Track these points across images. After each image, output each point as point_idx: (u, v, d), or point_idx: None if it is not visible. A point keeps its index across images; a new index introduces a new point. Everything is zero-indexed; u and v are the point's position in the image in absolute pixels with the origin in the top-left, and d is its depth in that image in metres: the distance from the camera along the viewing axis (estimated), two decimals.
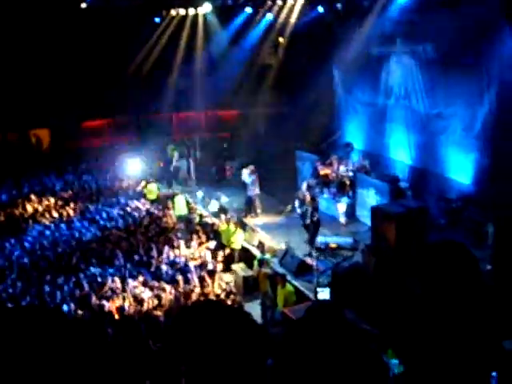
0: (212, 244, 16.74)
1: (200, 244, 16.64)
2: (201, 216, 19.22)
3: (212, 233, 17.76)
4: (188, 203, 20.61)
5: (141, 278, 14.04)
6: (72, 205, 20.14)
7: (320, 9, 20.59)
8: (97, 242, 16.65)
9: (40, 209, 19.76)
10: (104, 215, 18.89)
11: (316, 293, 11.97)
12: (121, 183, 22.57)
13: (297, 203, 17.01)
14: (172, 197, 20.68)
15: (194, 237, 17.08)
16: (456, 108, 17.59)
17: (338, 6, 19.40)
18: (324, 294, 11.69)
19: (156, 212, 19.30)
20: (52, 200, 20.60)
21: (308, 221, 15.94)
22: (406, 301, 11.30)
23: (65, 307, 12.45)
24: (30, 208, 19.78)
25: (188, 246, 16.42)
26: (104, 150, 26.06)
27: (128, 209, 19.47)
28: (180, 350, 2.89)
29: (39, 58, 24.16)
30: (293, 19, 21.50)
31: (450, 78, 17.44)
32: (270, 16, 21.92)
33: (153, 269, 14.92)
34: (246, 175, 19.36)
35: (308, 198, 16.37)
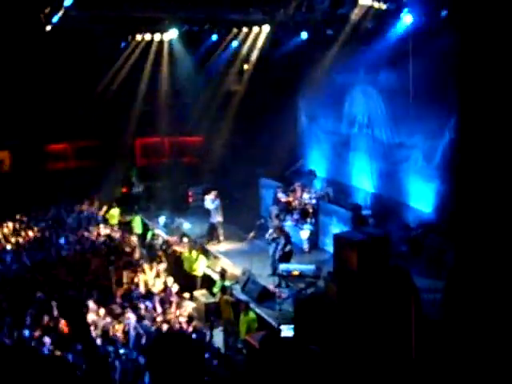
0: (162, 266, 16.60)
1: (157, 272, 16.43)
2: (164, 242, 19.05)
3: (174, 259, 17.60)
4: (145, 224, 20.54)
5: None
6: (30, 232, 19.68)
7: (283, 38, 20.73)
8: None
9: None
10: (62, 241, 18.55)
11: (279, 330, 11.86)
12: (81, 207, 22.24)
13: (270, 231, 16.97)
14: (130, 221, 20.61)
15: (155, 263, 16.91)
16: (418, 138, 17.88)
17: (303, 34, 19.55)
18: (287, 332, 11.58)
19: (117, 237, 19.07)
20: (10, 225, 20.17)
21: (279, 252, 15.90)
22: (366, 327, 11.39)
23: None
24: None
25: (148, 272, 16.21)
26: (67, 173, 25.76)
27: (86, 234, 19.15)
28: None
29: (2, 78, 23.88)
30: (258, 47, 21.63)
31: (412, 109, 17.71)
32: (235, 43, 22.03)
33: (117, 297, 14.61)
34: (209, 201, 19.32)
35: (278, 226, 16.46)
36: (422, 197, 17.75)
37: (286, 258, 15.84)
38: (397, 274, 12.12)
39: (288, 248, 15.96)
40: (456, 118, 15.77)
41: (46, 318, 12.76)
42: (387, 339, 11.24)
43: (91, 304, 13.52)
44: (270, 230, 16.91)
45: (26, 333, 12.18)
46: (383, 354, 10.98)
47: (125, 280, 15.43)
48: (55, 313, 13.14)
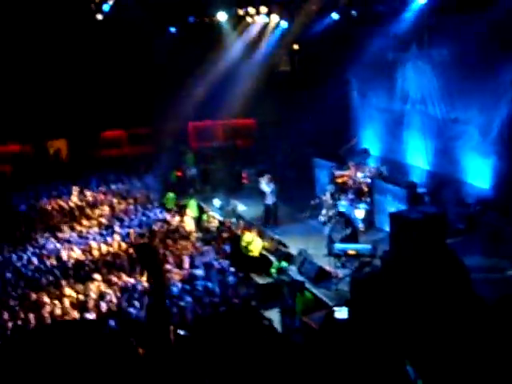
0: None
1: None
2: (220, 223, 19.25)
3: (230, 240, 17.77)
4: (200, 207, 20.77)
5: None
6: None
7: (335, 16, 20.57)
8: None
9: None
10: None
11: (332, 312, 11.90)
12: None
13: (323, 211, 17.00)
14: (186, 204, 20.87)
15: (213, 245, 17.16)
16: (473, 113, 17.56)
17: (353, 12, 19.37)
18: (341, 313, 11.60)
19: (174, 221, 19.33)
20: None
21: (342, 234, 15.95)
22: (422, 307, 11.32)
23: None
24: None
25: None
26: (122, 160, 26.28)
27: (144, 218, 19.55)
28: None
29: (56, 69, 24.42)
30: (307, 26, 21.50)
31: (466, 83, 17.41)
32: (284, 24, 21.97)
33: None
34: (264, 184, 19.38)
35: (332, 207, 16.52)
36: (478, 173, 17.48)
37: (350, 239, 15.84)
38: (445, 254, 12.04)
39: (349, 231, 15.92)
40: None
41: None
42: (438, 320, 11.16)
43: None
44: (324, 211, 16.92)
45: None
46: (434, 334, 10.91)
47: (185, 264, 15.64)
48: None
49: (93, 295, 13.60)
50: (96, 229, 18.86)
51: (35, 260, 16.42)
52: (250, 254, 16.78)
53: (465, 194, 17.62)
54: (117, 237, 17.68)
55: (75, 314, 12.89)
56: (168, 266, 15.17)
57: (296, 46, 24.70)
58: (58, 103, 25.09)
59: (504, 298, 11.50)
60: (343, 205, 18.53)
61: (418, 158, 20.41)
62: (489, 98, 16.55)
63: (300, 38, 23.35)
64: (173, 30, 23.56)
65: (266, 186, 19.31)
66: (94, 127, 26.75)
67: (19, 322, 12.65)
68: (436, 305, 11.29)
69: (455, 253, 12.24)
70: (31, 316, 12.70)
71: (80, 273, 15.40)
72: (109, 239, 17.59)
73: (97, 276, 14.76)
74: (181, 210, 20.49)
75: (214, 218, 19.95)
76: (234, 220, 19.23)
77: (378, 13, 18.85)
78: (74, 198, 21.58)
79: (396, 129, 21.58)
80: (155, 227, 18.40)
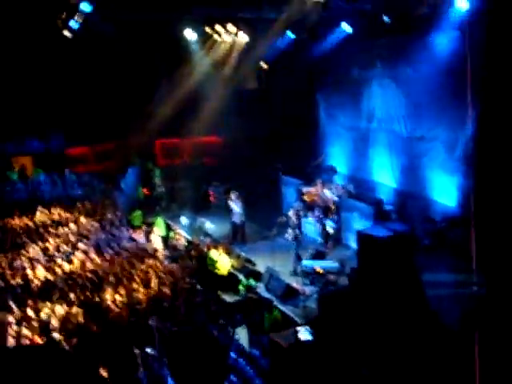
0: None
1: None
2: (188, 242, 19.12)
3: (197, 259, 17.64)
4: (168, 225, 20.62)
5: None
6: None
7: (291, 35, 20.62)
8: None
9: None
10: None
11: (296, 333, 11.81)
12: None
13: (289, 231, 17.10)
14: (153, 222, 20.71)
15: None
16: (438, 130, 17.74)
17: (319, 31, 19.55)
18: (304, 335, 11.53)
19: (141, 239, 19.16)
20: None
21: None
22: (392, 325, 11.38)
23: None
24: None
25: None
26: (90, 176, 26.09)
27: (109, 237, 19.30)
28: None
29: (24, 84, 24.14)
30: (274, 44, 21.59)
31: (432, 102, 17.59)
32: (251, 42, 21.98)
33: None
34: (233, 201, 19.34)
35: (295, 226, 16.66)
36: (444, 190, 17.63)
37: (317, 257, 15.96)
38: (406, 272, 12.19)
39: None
40: (478, 110, 15.62)
41: None
42: (401, 336, 11.25)
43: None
44: (290, 230, 17.03)
45: None
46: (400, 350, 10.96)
47: (152, 283, 15.45)
48: None
49: (57, 315, 13.35)
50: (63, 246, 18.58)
51: None
52: (217, 271, 16.69)
53: (431, 210, 17.77)
54: (79, 255, 17.41)
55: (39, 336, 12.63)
56: (135, 285, 14.96)
57: (264, 65, 24.75)
58: (21, 119, 24.77)
59: (468, 315, 11.64)
60: (310, 222, 18.57)
61: (385, 176, 20.55)
62: (454, 115, 16.71)
63: (267, 56, 23.42)
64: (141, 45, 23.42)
65: (233, 203, 19.27)
66: (59, 144, 26.47)
67: None
68: (393, 321, 11.40)
69: (416, 270, 12.34)
70: None
71: (44, 292, 15.11)
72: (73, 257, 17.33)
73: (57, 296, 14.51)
74: (148, 228, 20.30)
75: (181, 236, 19.80)
76: (201, 238, 19.11)
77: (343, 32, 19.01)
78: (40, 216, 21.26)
79: (362, 147, 21.72)
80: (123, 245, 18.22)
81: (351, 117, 22.38)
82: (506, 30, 13.58)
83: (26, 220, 20.85)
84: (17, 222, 20.73)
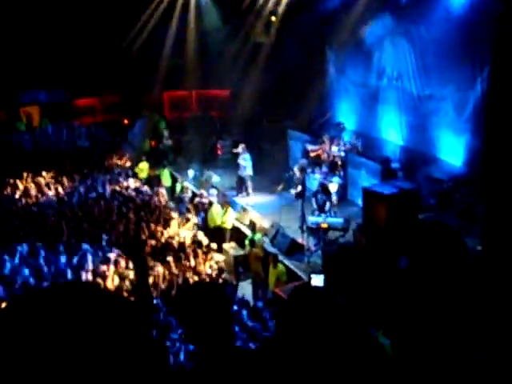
0: (192, 219, 16.82)
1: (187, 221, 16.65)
2: (193, 195, 19.19)
3: (203, 212, 17.74)
4: (173, 177, 20.71)
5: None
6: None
7: None
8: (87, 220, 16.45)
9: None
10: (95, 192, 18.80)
11: (310, 278, 11.94)
12: (111, 161, 22.43)
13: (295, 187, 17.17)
14: (159, 174, 20.77)
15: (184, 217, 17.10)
16: (448, 90, 17.58)
17: None
18: (317, 280, 11.66)
19: (148, 191, 19.23)
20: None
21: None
22: (395, 279, 11.44)
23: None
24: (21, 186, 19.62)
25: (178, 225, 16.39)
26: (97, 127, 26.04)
27: (117, 188, 19.33)
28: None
29: (28, 33, 23.95)
30: None
31: (443, 60, 17.41)
32: None
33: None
34: (240, 155, 19.37)
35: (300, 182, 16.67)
36: (452, 150, 17.56)
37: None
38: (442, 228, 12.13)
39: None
40: (489, 69, 15.47)
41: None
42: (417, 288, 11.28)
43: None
44: (299, 187, 17.06)
45: None
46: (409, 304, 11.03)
47: (158, 235, 15.58)
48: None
49: None
50: None
51: None
52: (223, 225, 16.79)
53: (438, 170, 17.74)
54: None
55: None
56: (143, 237, 15.11)
57: (273, 19, 24.46)
58: (30, 70, 24.65)
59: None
60: (316, 178, 18.59)
61: (393, 134, 20.46)
62: (465, 75, 16.57)
63: (278, 10, 23.14)
64: None
65: (241, 156, 19.32)
66: (67, 95, 26.37)
67: None
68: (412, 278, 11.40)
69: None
70: None
71: None
72: None
73: None
74: (154, 180, 20.38)
75: (187, 189, 19.87)
76: (208, 190, 19.19)
77: None
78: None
79: (371, 104, 21.56)
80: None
81: (361, 73, 22.16)
82: None
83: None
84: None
